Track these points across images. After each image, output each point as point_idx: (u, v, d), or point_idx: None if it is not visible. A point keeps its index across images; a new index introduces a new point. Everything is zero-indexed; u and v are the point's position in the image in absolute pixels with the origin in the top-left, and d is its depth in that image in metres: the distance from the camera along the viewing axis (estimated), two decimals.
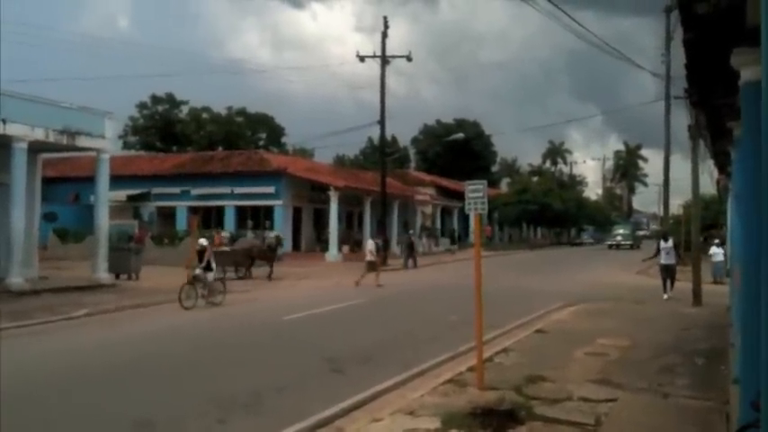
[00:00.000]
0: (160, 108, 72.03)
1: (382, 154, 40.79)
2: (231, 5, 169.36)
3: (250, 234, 38.17)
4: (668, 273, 20.88)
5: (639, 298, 21.11)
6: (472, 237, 11.63)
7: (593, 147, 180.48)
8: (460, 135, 59.35)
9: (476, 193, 9.87)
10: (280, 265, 27.63)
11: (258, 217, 41.70)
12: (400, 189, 51.36)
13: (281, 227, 39.91)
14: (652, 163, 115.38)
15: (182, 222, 42.14)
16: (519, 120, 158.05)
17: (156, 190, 43.86)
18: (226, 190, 41.85)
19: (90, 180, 25.19)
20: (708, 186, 29.99)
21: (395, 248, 42.87)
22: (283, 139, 76.84)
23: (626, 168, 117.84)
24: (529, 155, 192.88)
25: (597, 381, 9.74)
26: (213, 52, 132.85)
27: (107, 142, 23.73)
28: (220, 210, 42.73)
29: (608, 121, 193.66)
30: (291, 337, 14.15)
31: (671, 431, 7.67)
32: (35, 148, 21.95)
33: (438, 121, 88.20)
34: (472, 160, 79.81)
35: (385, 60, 37.69)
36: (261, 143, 73.89)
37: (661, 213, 45.48)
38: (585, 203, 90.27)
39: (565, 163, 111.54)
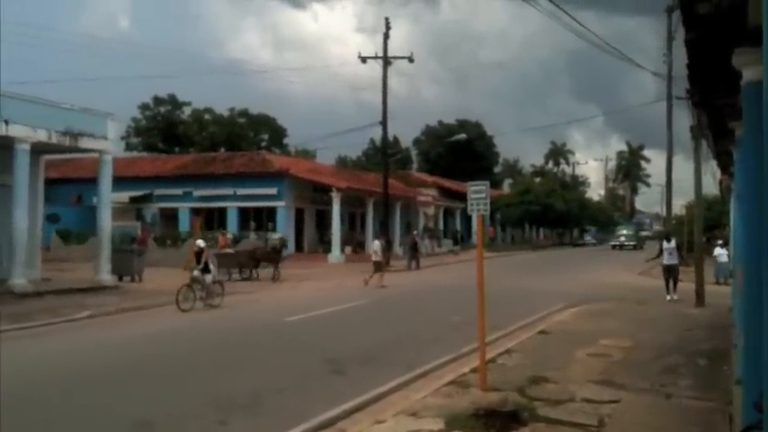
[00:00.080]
0: (162, 109, 72.17)
1: (384, 155, 40.80)
2: (231, 6, 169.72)
3: (252, 235, 38.21)
4: (671, 273, 20.84)
5: (642, 298, 21.07)
6: (475, 238, 11.59)
7: (594, 147, 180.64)
8: (462, 136, 59.41)
9: (478, 194, 9.87)
10: (282, 266, 27.57)
11: (261, 218, 41.74)
12: (402, 190, 51.37)
13: (284, 228, 39.94)
14: (654, 163, 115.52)
15: (184, 224, 42.21)
16: (520, 120, 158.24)
17: (159, 191, 43.93)
18: (228, 191, 41.89)
19: (92, 181, 25.20)
20: (710, 187, 29.94)
21: (397, 249, 42.86)
22: (285, 141, 77.02)
23: (628, 169, 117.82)
24: (531, 155, 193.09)
25: (600, 382, 9.73)
26: (214, 53, 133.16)
27: (109, 143, 23.75)
28: (223, 211, 42.78)
29: (609, 122, 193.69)
30: (293, 338, 14.15)
31: None
32: (38, 150, 21.98)
33: (440, 122, 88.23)
34: (474, 161, 79.75)
35: (386, 61, 37.70)
36: (263, 144, 73.91)
37: (664, 214, 45.44)
38: (588, 204, 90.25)
39: (567, 163, 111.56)
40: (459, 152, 77.11)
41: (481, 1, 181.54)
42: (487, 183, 10.14)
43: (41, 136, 20.88)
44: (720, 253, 25.96)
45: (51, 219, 35.74)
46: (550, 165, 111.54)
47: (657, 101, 36.90)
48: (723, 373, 10.38)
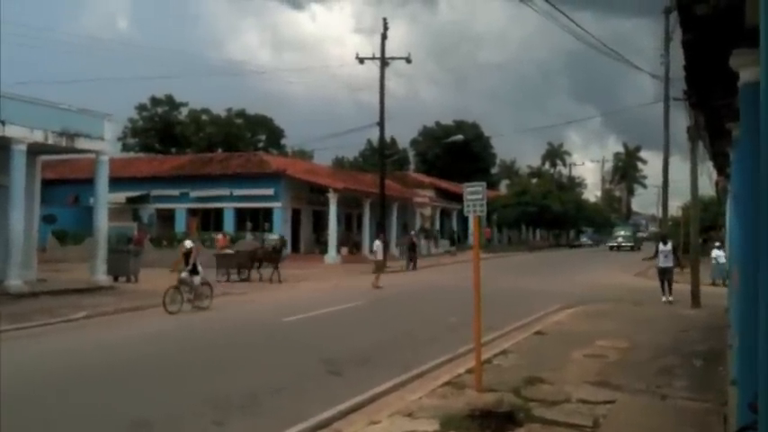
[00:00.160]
0: (159, 110, 72.04)
1: (381, 156, 40.81)
2: (230, 6, 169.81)
3: (249, 236, 38.17)
4: (665, 276, 20.83)
5: (638, 299, 21.11)
6: (471, 238, 11.63)
7: (592, 148, 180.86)
8: (460, 137, 59.38)
9: (475, 194, 9.87)
10: (282, 266, 27.47)
11: (257, 219, 41.71)
12: (399, 191, 51.38)
13: (281, 229, 39.90)
14: (651, 164, 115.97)
15: (181, 224, 42.22)
16: (518, 121, 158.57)
17: (156, 192, 43.89)
18: (225, 192, 41.87)
19: (89, 182, 25.19)
20: (707, 188, 29.97)
21: (393, 250, 42.86)
22: (283, 141, 77.02)
23: (625, 170, 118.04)
24: (528, 156, 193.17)
25: (596, 382, 9.73)
26: (212, 53, 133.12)
27: (106, 144, 23.73)
28: (219, 212, 42.74)
29: (607, 123, 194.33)
30: (290, 338, 14.14)
31: None
32: (34, 150, 21.94)
33: (437, 123, 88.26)
34: (471, 162, 79.77)
35: (384, 62, 37.71)
36: (260, 145, 73.89)
37: (660, 215, 45.48)
38: (584, 205, 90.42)
39: (564, 165, 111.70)
40: (457, 153, 77.13)
41: (479, 2, 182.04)
42: (484, 184, 10.13)
43: (38, 137, 20.85)
44: (718, 254, 26.01)
45: (48, 219, 35.68)
46: (547, 166, 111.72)
47: (655, 102, 37.16)
48: (718, 373, 10.39)
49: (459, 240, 60.00)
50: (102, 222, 23.63)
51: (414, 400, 8.76)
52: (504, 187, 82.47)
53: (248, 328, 15.69)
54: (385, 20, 37.76)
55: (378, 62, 37.74)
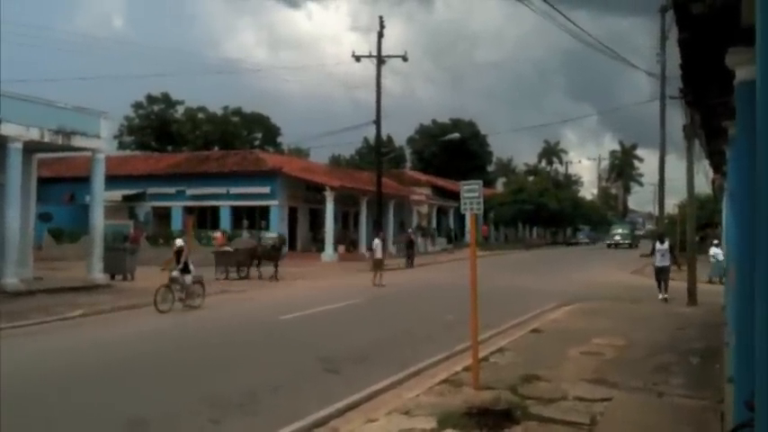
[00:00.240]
0: (156, 108, 71.91)
1: (378, 154, 40.80)
2: (226, 5, 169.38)
3: (245, 234, 38.14)
4: (662, 275, 20.84)
5: (635, 297, 21.14)
6: (468, 236, 11.65)
7: (588, 146, 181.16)
8: (456, 135, 59.41)
9: (471, 192, 9.88)
10: (281, 264, 27.42)
11: (254, 217, 41.66)
12: (396, 189, 51.37)
13: (277, 227, 39.88)
14: (647, 162, 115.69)
15: (177, 222, 42.15)
16: (514, 119, 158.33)
17: (152, 190, 43.81)
18: (221, 190, 41.83)
19: (85, 180, 25.14)
20: (703, 186, 30.08)
21: (390, 248, 42.86)
22: (279, 139, 76.85)
23: (621, 168, 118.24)
24: (524, 154, 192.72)
25: (592, 380, 9.75)
26: (209, 52, 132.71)
27: (102, 142, 23.68)
28: (216, 210, 42.71)
29: (603, 121, 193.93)
30: (287, 336, 14.14)
31: (666, 430, 7.69)
32: (30, 148, 21.90)
33: (434, 121, 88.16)
34: (468, 160, 79.80)
35: (381, 60, 37.68)
36: (256, 143, 73.81)
37: (656, 213, 45.57)
38: (581, 203, 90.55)
39: (560, 163, 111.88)
40: (453, 151, 77.17)
41: (475, 0, 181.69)
42: (480, 182, 10.16)
43: (34, 134, 20.81)
44: (717, 252, 26.04)
45: (44, 218, 35.63)
46: (544, 164, 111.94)
47: (651, 100, 37.10)
48: (715, 371, 10.42)
49: (456, 238, 60.01)
50: (99, 220, 23.58)
51: (411, 397, 8.76)
52: (500, 185, 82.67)
53: (245, 326, 15.70)
54: (381, 18, 37.74)
55: (374, 60, 37.69)
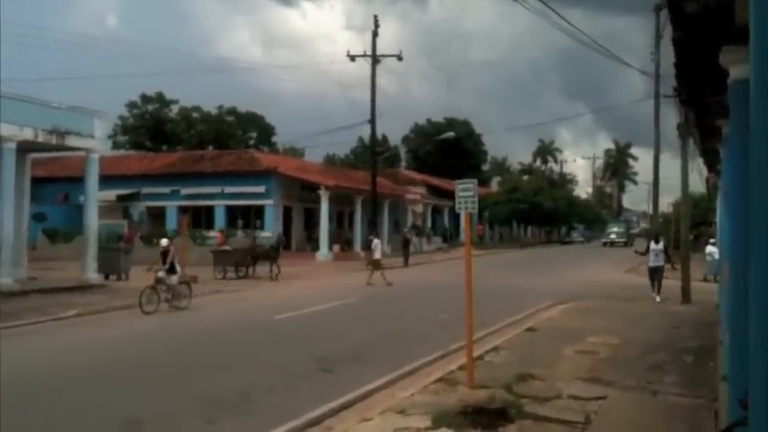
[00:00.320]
0: (150, 107, 71.72)
1: (373, 153, 40.82)
2: (220, 3, 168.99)
3: (240, 233, 38.10)
4: (656, 275, 20.84)
5: (629, 296, 21.18)
6: (463, 235, 11.64)
7: (582, 145, 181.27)
8: (451, 134, 59.46)
9: (466, 192, 9.88)
10: (265, 264, 27.34)
11: (248, 216, 41.61)
12: (391, 188, 51.37)
13: (272, 226, 39.84)
14: (642, 161, 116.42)
15: (172, 222, 42.03)
16: (509, 118, 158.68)
17: (146, 189, 43.72)
18: (216, 189, 41.76)
19: (79, 180, 25.07)
20: (697, 184, 30.09)
21: (385, 247, 42.86)
22: (274, 139, 76.76)
23: (616, 167, 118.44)
24: (519, 153, 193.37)
25: (587, 379, 9.77)
26: (203, 51, 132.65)
27: (96, 142, 23.60)
28: (210, 209, 42.64)
29: (598, 120, 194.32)
30: (282, 336, 14.14)
31: (660, 428, 7.70)
32: (24, 148, 21.82)
33: (428, 120, 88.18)
34: (463, 159, 79.87)
35: (375, 59, 37.71)
36: (251, 142, 73.69)
37: (651, 211, 45.66)
38: (576, 202, 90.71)
39: (555, 161, 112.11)
40: (448, 150, 77.20)
41: None
42: (475, 181, 10.16)
43: (28, 134, 20.73)
44: (713, 251, 26.10)
45: (38, 218, 35.51)
46: (538, 163, 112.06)
47: (645, 99, 37.11)
48: (709, 369, 10.45)
49: (450, 237, 60.07)
50: (93, 220, 23.51)
51: (406, 396, 8.77)
52: (495, 184, 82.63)
53: (240, 326, 15.68)
54: (376, 17, 37.83)
55: (369, 59, 37.76)
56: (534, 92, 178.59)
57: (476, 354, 10.27)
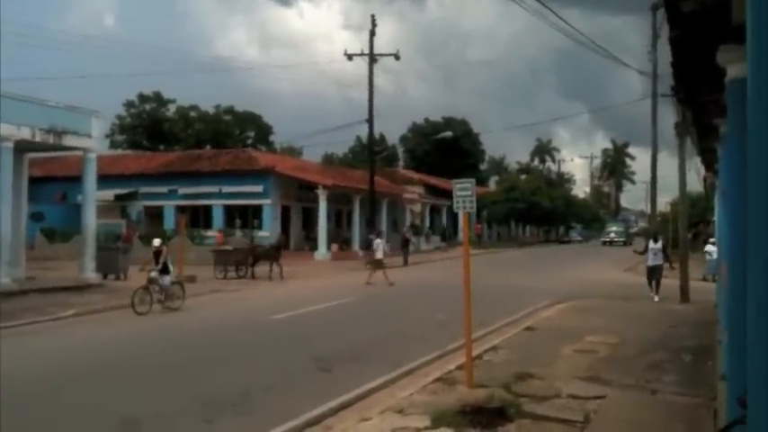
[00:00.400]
0: (147, 107, 71.71)
1: (371, 152, 40.81)
2: (218, 3, 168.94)
3: (238, 233, 38.07)
4: (654, 274, 20.82)
5: (627, 295, 21.18)
6: (461, 235, 11.64)
7: (580, 145, 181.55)
8: (449, 133, 59.46)
9: (464, 191, 9.89)
10: (265, 264, 27.31)
11: (246, 216, 41.58)
12: (389, 187, 51.38)
13: (270, 226, 39.82)
14: (639, 160, 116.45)
15: (169, 221, 42.00)
16: (507, 118, 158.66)
17: (144, 189, 43.66)
18: (213, 189, 41.70)
19: (77, 179, 25.04)
20: (695, 183, 30.18)
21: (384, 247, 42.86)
22: (271, 138, 76.70)
23: (614, 166, 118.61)
24: (517, 153, 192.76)
25: (586, 378, 9.77)
26: (201, 50, 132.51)
27: (94, 141, 23.58)
28: (208, 209, 42.59)
29: (595, 119, 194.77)
30: (280, 336, 14.13)
31: (659, 427, 7.71)
32: (21, 148, 21.79)
33: (426, 120, 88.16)
34: (461, 158, 79.90)
35: (373, 59, 37.70)
36: (249, 142, 73.64)
37: (648, 211, 45.69)
38: (573, 201, 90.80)
39: (553, 161, 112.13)
40: (446, 149, 77.21)
41: None
42: (473, 180, 10.17)
43: (25, 134, 20.71)
44: (712, 250, 26.11)
45: (35, 217, 35.46)
46: (536, 162, 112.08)
47: (643, 98, 37.12)
48: (707, 368, 10.45)
49: (449, 237, 60.08)
50: (91, 220, 23.50)
51: (404, 396, 8.77)
52: (493, 184, 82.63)
53: (238, 325, 15.66)
54: (373, 16, 37.78)
55: (366, 59, 37.73)
56: (532, 91, 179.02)
57: (474, 353, 10.27)
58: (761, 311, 2.62)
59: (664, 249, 21.30)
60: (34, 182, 28.60)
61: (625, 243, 68.51)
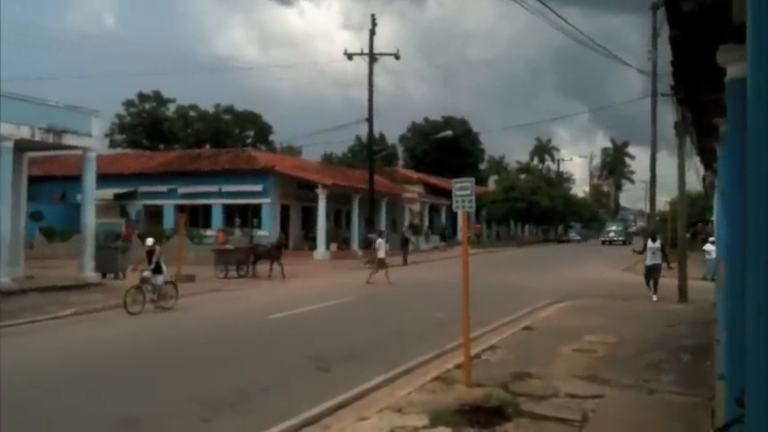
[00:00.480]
0: (147, 106, 71.68)
1: (370, 152, 40.81)
2: (218, 2, 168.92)
3: (237, 232, 38.06)
4: (652, 273, 20.80)
5: (626, 295, 21.18)
6: (461, 234, 11.64)
7: (580, 144, 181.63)
8: (448, 132, 59.43)
9: (463, 190, 9.89)
10: (266, 263, 27.30)
11: (246, 215, 41.55)
12: (388, 187, 51.37)
13: (269, 225, 39.80)
14: (639, 160, 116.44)
15: (169, 221, 41.99)
16: (506, 117, 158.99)
17: (143, 188, 43.61)
18: (213, 188, 41.66)
19: (76, 179, 25.02)
20: (694, 183, 30.12)
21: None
22: (271, 137, 76.69)
23: (613, 165, 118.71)
24: (516, 152, 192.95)
25: (584, 377, 9.77)
26: (200, 49, 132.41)
27: (93, 140, 23.57)
28: (208, 208, 42.55)
29: (595, 119, 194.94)
30: (278, 335, 14.13)
31: (657, 427, 7.71)
32: (21, 147, 21.77)
33: (426, 119, 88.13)
34: (460, 158, 79.85)
35: (373, 58, 37.69)
36: (248, 141, 73.59)
37: (648, 210, 45.72)
38: (573, 201, 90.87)
39: (552, 160, 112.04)
40: (445, 149, 77.17)
41: None
42: (473, 179, 10.17)
43: (25, 133, 20.69)
44: (712, 249, 26.10)
45: (35, 216, 35.45)
46: (536, 161, 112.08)
47: (642, 98, 37.15)
48: (706, 368, 10.46)
49: (448, 236, 60.08)
50: (90, 219, 23.49)
51: (403, 395, 8.77)
52: (492, 183, 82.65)
53: (236, 325, 15.65)
54: (373, 16, 37.75)
55: (366, 58, 37.72)
56: (532, 91, 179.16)
57: (473, 352, 10.28)
58: (760, 311, 2.61)
59: (662, 249, 21.29)
60: (33, 181, 28.57)
61: (624, 242, 68.80)
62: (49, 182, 41.98)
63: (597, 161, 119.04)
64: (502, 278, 26.65)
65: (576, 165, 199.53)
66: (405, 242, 37.83)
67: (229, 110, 74.19)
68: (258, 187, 40.71)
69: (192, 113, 71.67)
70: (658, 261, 20.81)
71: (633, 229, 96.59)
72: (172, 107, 72.16)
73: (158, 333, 14.32)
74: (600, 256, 48.50)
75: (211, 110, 72.74)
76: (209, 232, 38.95)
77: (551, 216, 75.62)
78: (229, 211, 42.06)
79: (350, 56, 38.11)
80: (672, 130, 19.51)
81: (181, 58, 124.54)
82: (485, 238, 68.78)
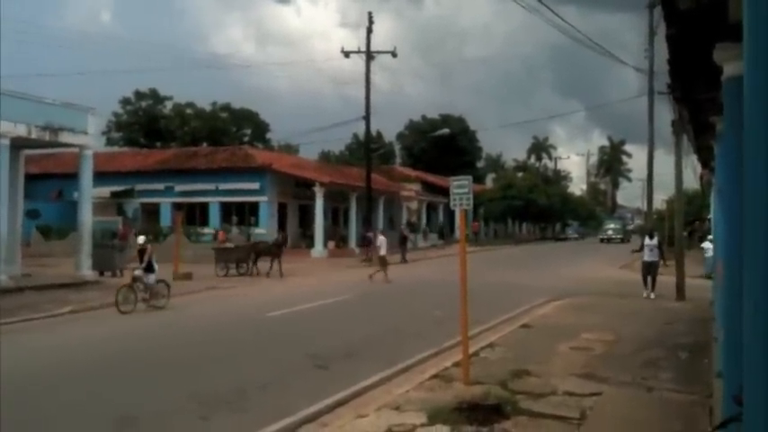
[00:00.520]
0: (144, 104, 71.55)
1: (367, 150, 40.79)
2: (216, 0, 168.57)
3: (235, 230, 38.02)
4: (650, 270, 20.78)
5: (624, 292, 21.20)
6: (458, 232, 11.67)
7: (577, 142, 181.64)
8: (446, 130, 59.44)
9: (461, 188, 9.89)
10: (266, 261, 27.28)
11: (243, 213, 41.50)
12: (386, 185, 51.35)
13: (267, 223, 39.77)
14: (636, 158, 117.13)
15: (166, 219, 41.92)
16: (503, 115, 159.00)
17: (140, 186, 43.52)
18: (210, 186, 41.60)
19: (73, 176, 25.00)
20: (691, 181, 30.13)
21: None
22: (268, 135, 76.61)
23: (610, 164, 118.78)
24: (513, 150, 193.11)
25: (582, 375, 9.78)
26: (197, 47, 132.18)
27: (90, 138, 23.57)
28: (205, 206, 42.49)
29: (591, 117, 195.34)
30: (276, 333, 14.13)
31: (655, 425, 7.72)
32: (18, 145, 21.76)
33: (423, 117, 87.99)
34: (457, 156, 79.74)
35: (370, 56, 37.65)
36: (245, 139, 73.45)
37: (645, 208, 45.77)
38: (570, 199, 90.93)
39: (549, 158, 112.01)
40: (443, 147, 77.11)
41: None
42: (470, 177, 10.19)
43: (21, 131, 20.68)
44: (709, 247, 26.11)
45: (31, 214, 35.39)
46: (533, 159, 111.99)
47: (639, 96, 37.06)
48: (703, 366, 10.47)
49: (446, 234, 60.07)
50: (87, 217, 23.48)
51: (401, 393, 8.77)
52: (490, 181, 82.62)
53: (233, 323, 15.64)
54: (370, 14, 37.70)
55: (363, 56, 37.68)
56: (528, 89, 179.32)
57: (471, 350, 10.28)
58: (757, 309, 2.62)
59: (659, 246, 21.28)
60: (30, 179, 28.55)
61: (623, 240, 68.80)
62: (46, 180, 41.86)
63: (594, 159, 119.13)
64: (500, 276, 26.64)
65: (573, 163, 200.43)
66: (403, 240, 37.83)
67: (226, 108, 74.08)
68: (255, 185, 40.66)
69: (188, 111, 71.57)
70: (656, 258, 20.79)
71: (631, 227, 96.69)
72: (169, 105, 72.10)
73: (155, 331, 14.31)
74: (598, 253, 48.54)
75: (208, 108, 72.63)
76: (206, 230, 38.88)
77: (549, 214, 75.66)
78: (226, 210, 42.01)
79: (347, 54, 38.09)
80: (669, 129, 19.57)
81: (178, 56, 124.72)
82: (482, 236, 68.76)
